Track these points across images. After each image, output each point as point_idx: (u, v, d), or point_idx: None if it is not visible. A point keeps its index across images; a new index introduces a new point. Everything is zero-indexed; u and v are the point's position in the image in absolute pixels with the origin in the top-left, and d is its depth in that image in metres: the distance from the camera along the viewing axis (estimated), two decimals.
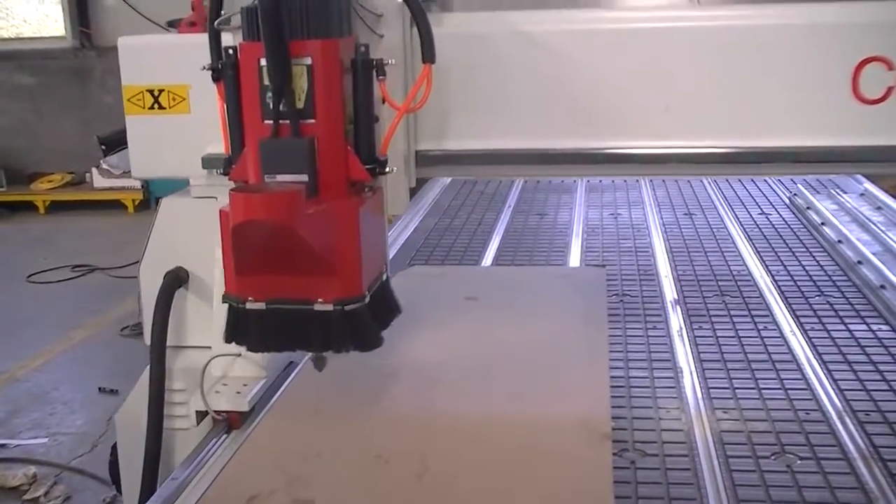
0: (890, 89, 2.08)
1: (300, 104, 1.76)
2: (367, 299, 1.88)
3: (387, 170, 1.94)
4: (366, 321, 1.89)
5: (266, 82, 1.76)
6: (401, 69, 2.11)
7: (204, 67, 1.92)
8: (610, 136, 2.21)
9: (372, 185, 1.90)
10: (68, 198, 10.85)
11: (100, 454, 4.66)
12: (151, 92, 2.39)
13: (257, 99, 1.78)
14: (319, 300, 1.83)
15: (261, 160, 1.78)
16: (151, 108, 2.40)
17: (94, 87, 10.77)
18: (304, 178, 1.77)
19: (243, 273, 1.83)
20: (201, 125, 2.36)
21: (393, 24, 2.09)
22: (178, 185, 2.62)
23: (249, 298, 1.85)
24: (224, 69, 1.87)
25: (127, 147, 2.49)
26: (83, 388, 5.74)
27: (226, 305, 2.38)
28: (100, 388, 5.61)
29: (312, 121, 1.77)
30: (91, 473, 4.64)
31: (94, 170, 10.67)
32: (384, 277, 2.03)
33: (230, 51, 1.86)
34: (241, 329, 1.90)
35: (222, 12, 1.91)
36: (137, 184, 10.43)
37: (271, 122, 1.77)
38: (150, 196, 10.36)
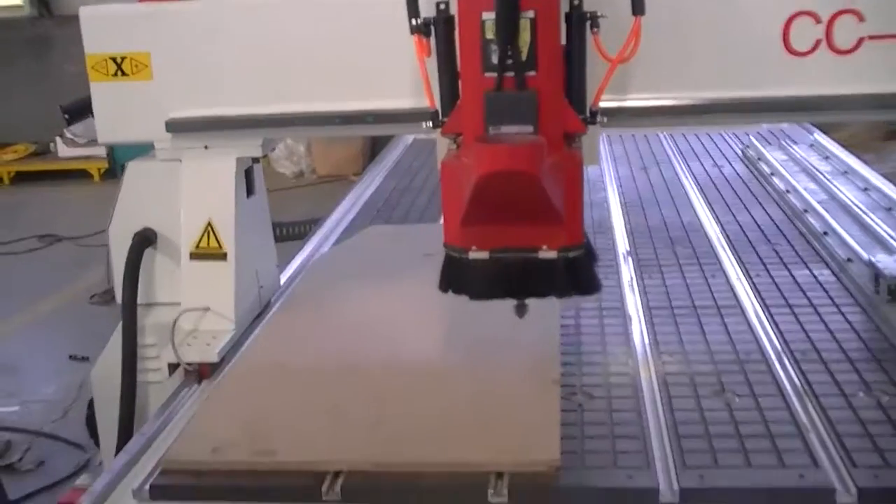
0: (818, 42, 2.22)
1: (522, 57, 1.80)
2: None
3: (597, 121, 2.03)
4: (586, 267, 1.99)
5: (489, 36, 1.79)
6: None
7: (413, 23, 1.96)
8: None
9: (581, 136, 1.96)
10: (33, 168, 10.78)
11: (72, 420, 4.73)
12: (114, 59, 2.48)
13: (478, 52, 1.82)
14: (544, 248, 1.90)
15: (486, 112, 1.82)
16: (115, 75, 2.48)
17: (55, 56, 10.64)
18: (529, 129, 1.81)
19: (471, 223, 1.88)
20: (164, 91, 2.48)
21: None
22: (142, 152, 2.70)
23: (473, 248, 1.92)
24: (436, 24, 1.94)
25: (91, 116, 2.58)
26: (53, 356, 5.78)
27: (194, 263, 2.55)
28: (70, 356, 5.64)
29: (534, 73, 1.81)
30: (64, 439, 4.70)
31: (58, 139, 10.59)
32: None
33: (441, 5, 1.92)
34: (458, 278, 1.98)
35: None
36: (103, 152, 10.35)
37: (493, 74, 1.81)
38: (116, 164, 10.27)
